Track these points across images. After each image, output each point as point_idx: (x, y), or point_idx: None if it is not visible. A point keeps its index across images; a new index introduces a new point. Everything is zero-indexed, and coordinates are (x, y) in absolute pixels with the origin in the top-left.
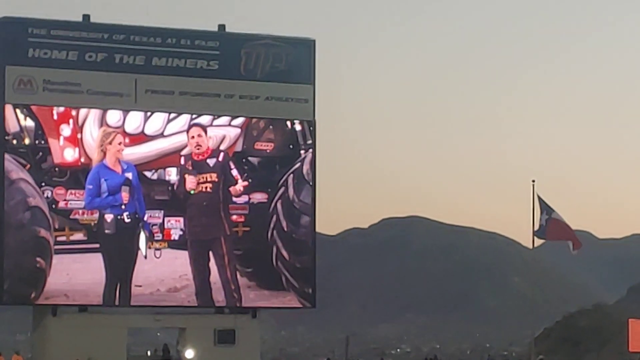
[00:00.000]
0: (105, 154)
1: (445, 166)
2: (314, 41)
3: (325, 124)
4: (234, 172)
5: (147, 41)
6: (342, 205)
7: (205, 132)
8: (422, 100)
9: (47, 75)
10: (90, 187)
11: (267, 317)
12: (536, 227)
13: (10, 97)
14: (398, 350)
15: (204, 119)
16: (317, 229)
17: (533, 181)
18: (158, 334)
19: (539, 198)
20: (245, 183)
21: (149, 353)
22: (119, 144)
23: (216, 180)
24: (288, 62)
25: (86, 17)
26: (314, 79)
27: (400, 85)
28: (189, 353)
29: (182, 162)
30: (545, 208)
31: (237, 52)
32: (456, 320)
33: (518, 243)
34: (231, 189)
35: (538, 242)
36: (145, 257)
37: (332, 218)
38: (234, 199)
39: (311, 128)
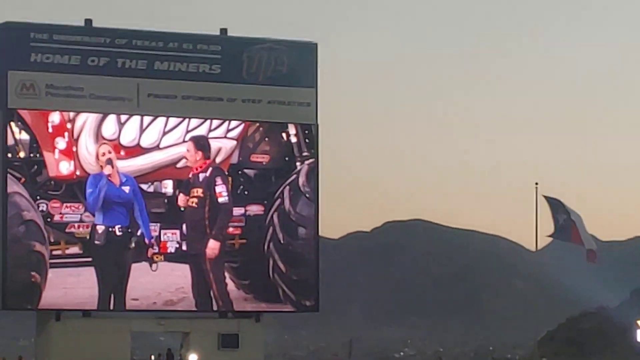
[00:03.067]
0: (102, 167)
1: (448, 169)
2: (316, 44)
3: (327, 127)
4: (218, 188)
5: (149, 45)
6: (344, 209)
7: (197, 147)
8: (425, 104)
9: (49, 79)
10: (91, 190)
11: (270, 321)
12: (548, 227)
13: (12, 102)
14: (402, 353)
15: (200, 130)
16: (320, 233)
17: (536, 184)
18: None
19: (551, 198)
20: (226, 200)
21: (152, 357)
22: (102, 155)
23: (202, 195)
24: (290, 66)
25: (88, 21)
26: (316, 83)
27: (402, 88)
28: (193, 357)
29: (178, 175)
30: (560, 208)
31: (239, 55)
32: (460, 323)
33: (521, 246)
34: (219, 203)
35: (541, 244)
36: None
37: (334, 222)
38: (231, 211)
39: (307, 140)
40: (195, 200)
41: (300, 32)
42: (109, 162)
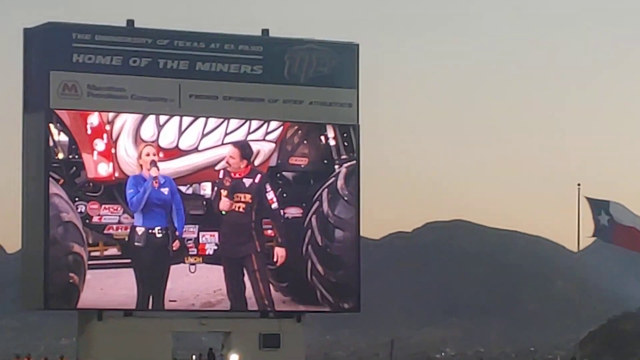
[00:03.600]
0: (141, 167)
1: (489, 170)
2: (358, 45)
3: (368, 128)
4: (269, 194)
5: (191, 46)
6: (386, 209)
7: (242, 155)
8: (466, 103)
9: (91, 80)
10: (131, 190)
11: (311, 321)
12: (590, 228)
13: (55, 103)
14: (443, 354)
15: (239, 133)
16: (361, 233)
17: (579, 185)
18: (203, 338)
19: (592, 199)
20: (277, 206)
21: (194, 357)
22: (147, 155)
23: (250, 201)
24: (332, 67)
25: (130, 22)
26: (357, 83)
27: (444, 88)
28: (234, 357)
29: (220, 176)
30: (603, 208)
31: (280, 56)
32: (500, 324)
33: (562, 247)
34: (272, 209)
35: (583, 245)
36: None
37: (376, 222)
38: (266, 219)
39: (345, 143)
40: (242, 205)
41: (342, 32)
42: (154, 164)
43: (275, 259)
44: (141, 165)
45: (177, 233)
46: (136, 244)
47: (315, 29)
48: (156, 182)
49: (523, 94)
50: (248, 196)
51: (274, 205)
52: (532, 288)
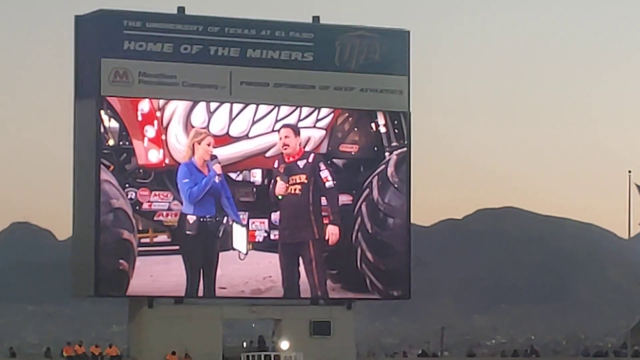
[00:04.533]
0: (194, 152)
1: (540, 157)
2: (409, 32)
3: (418, 114)
4: (324, 173)
5: (241, 33)
6: (436, 196)
7: (295, 132)
8: (516, 90)
9: (142, 67)
10: (187, 180)
11: (361, 309)
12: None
13: (106, 89)
14: (493, 341)
15: (290, 120)
16: (412, 221)
17: (629, 172)
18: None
19: None
20: (332, 184)
21: (244, 344)
22: (208, 144)
23: (305, 181)
24: (382, 54)
25: (181, 9)
26: (408, 70)
27: (494, 75)
28: (284, 344)
29: (275, 165)
30: None
31: (331, 43)
32: (551, 311)
33: (613, 234)
34: (325, 187)
35: (634, 232)
36: (247, 253)
37: (426, 209)
38: (322, 199)
39: (396, 130)
40: (299, 187)
41: (393, 19)
42: (216, 159)
43: (327, 238)
44: (193, 152)
45: (227, 220)
46: (187, 232)
47: (365, 16)
48: (219, 178)
49: (575, 81)
50: (303, 177)
51: (329, 184)
52: (582, 275)
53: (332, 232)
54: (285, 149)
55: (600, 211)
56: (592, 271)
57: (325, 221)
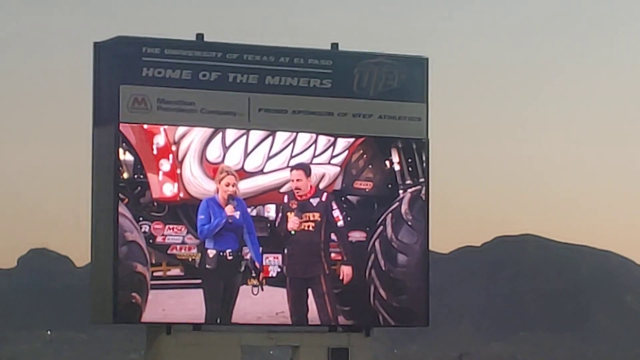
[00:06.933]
0: (218, 189)
1: (559, 184)
2: (427, 59)
3: (436, 141)
4: (336, 212)
5: (260, 60)
6: (455, 223)
7: (306, 174)
8: (536, 118)
9: (161, 94)
10: (202, 217)
11: (380, 336)
12: None
13: (124, 116)
14: None
15: (304, 156)
16: (430, 248)
17: None
18: (271, 352)
19: None
20: (343, 224)
21: None
22: (227, 185)
23: (319, 219)
24: (401, 81)
25: (200, 36)
26: (426, 98)
27: (512, 103)
28: None
29: (286, 200)
30: None
31: (350, 70)
32: (570, 339)
33: (632, 262)
34: (337, 226)
35: None
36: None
37: (445, 236)
38: (333, 237)
39: (410, 168)
40: (312, 224)
41: (411, 46)
42: (232, 199)
43: (341, 277)
44: (217, 189)
45: (249, 255)
46: (207, 266)
47: (384, 43)
48: (230, 220)
49: (594, 107)
50: (317, 214)
51: (340, 223)
52: (601, 302)
53: (345, 273)
54: (297, 191)
55: (618, 238)
56: (610, 299)
57: (337, 258)
